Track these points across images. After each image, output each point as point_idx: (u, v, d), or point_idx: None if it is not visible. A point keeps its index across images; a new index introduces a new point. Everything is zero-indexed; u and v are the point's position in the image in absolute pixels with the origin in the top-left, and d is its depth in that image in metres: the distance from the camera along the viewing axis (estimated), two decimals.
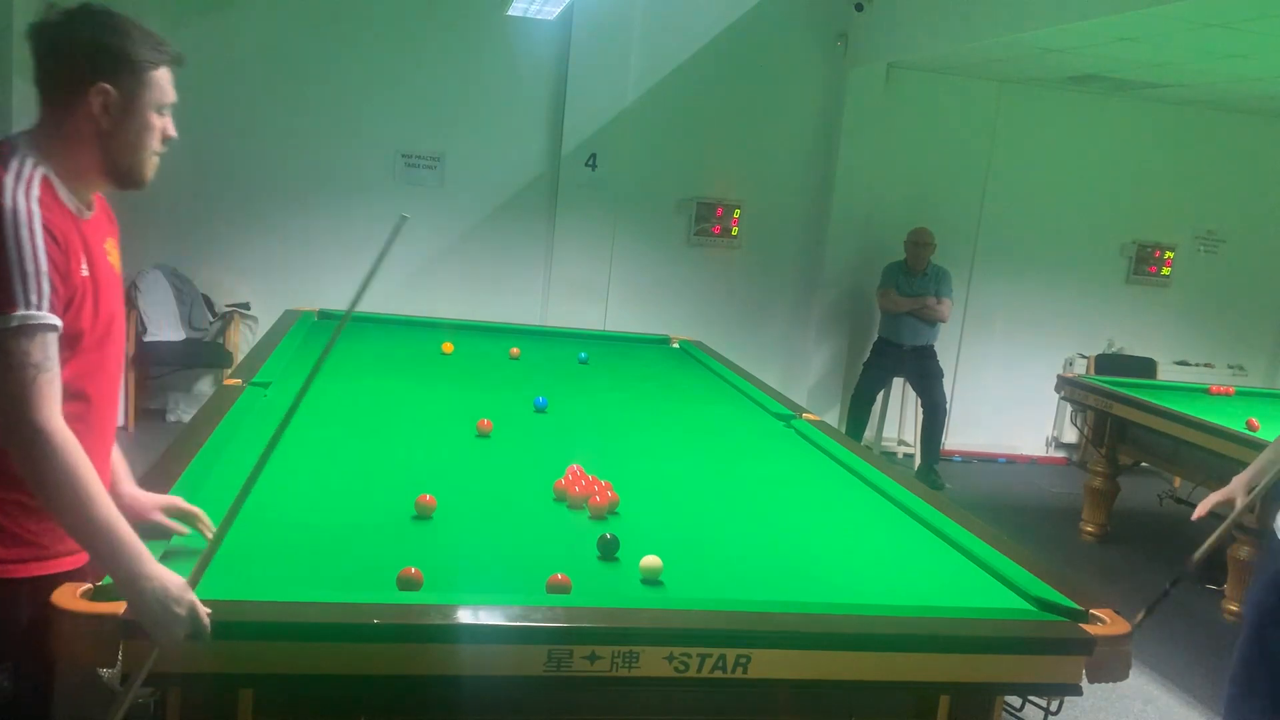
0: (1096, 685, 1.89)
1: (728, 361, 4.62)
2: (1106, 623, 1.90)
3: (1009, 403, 7.31)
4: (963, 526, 2.42)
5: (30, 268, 1.51)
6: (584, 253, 6.65)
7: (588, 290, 6.66)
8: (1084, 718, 3.54)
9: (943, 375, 6.62)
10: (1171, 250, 7.53)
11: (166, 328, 6.06)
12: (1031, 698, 2.00)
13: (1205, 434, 4.19)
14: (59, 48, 1.66)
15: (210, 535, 1.77)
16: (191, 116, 6.70)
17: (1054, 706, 2.01)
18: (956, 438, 7.23)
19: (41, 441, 1.48)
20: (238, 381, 3.21)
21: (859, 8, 6.53)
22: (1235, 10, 4.41)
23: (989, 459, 7.37)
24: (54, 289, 1.53)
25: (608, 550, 2.08)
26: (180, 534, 1.88)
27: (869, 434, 6.81)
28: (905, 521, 2.55)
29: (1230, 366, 7.61)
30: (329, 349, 1.62)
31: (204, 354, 6.24)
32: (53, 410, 1.50)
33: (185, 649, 1.53)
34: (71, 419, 1.54)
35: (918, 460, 6.65)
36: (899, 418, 7.06)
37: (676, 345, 5.12)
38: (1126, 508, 5.80)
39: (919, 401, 6.60)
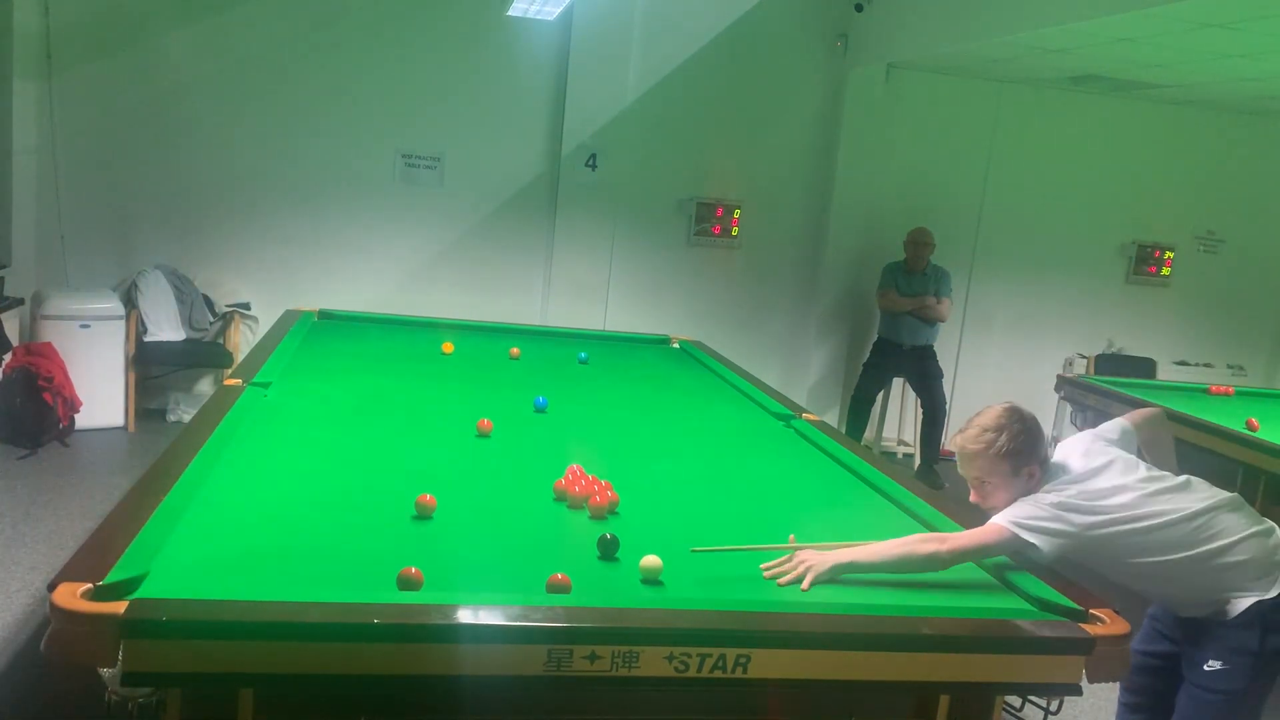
0: (1096, 685, 1.89)
1: (728, 361, 4.62)
2: (1106, 623, 1.90)
3: None
4: (963, 526, 2.41)
5: None
6: (584, 253, 6.65)
7: (588, 290, 6.66)
8: (1084, 718, 3.54)
9: (942, 375, 6.62)
10: (1171, 250, 7.53)
11: (167, 328, 6.06)
12: (1031, 698, 2.00)
13: (1205, 434, 4.19)
14: None
15: None
16: (192, 116, 6.75)
17: (1054, 706, 2.01)
18: None
19: None
20: (238, 381, 3.21)
21: (859, 8, 6.54)
22: (1235, 10, 4.41)
23: None
24: None
25: (608, 550, 2.08)
26: None
27: (869, 434, 6.81)
28: (905, 521, 2.54)
29: (1230, 366, 7.61)
30: None
31: (204, 354, 6.24)
32: None
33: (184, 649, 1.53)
34: None
35: (918, 460, 6.65)
36: (899, 418, 7.06)
37: (676, 345, 5.12)
38: None
39: (919, 401, 6.60)
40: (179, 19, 5.98)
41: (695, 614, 1.77)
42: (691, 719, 1.95)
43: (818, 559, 2.05)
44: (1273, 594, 2.30)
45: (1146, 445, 2.73)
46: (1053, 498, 2.22)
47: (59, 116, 5.92)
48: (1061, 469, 2.34)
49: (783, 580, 2.02)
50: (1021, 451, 2.26)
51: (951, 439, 2.37)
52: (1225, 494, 2.39)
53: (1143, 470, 2.37)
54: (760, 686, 1.74)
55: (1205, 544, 2.28)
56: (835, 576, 2.03)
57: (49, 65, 5.85)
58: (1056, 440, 7.49)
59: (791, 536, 2.14)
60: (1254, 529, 2.33)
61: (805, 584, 2.00)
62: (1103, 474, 2.32)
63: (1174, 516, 2.27)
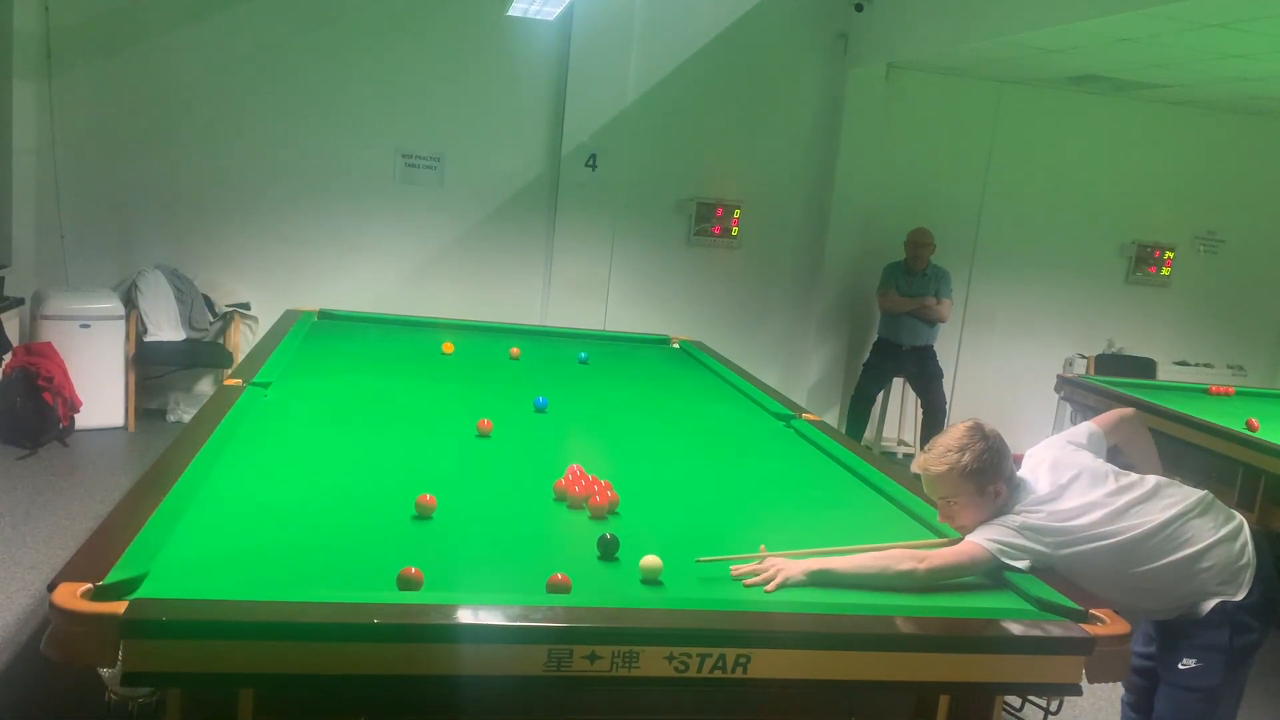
0: (1096, 685, 1.89)
1: (728, 361, 4.62)
2: (1106, 623, 1.91)
3: (1009, 403, 7.31)
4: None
5: None
6: (584, 253, 6.65)
7: (588, 290, 6.66)
8: (1084, 718, 3.54)
9: (942, 375, 6.62)
10: (1171, 250, 7.53)
11: (167, 328, 6.06)
12: (1031, 698, 2.00)
13: (1205, 434, 4.19)
14: None
15: None
16: (192, 116, 6.75)
17: (1054, 706, 2.01)
18: None
19: None
20: (238, 381, 3.21)
21: (859, 8, 6.54)
22: (1235, 10, 4.41)
23: None
24: None
25: (608, 550, 2.08)
26: None
27: (869, 434, 6.81)
28: (905, 521, 2.54)
29: (1230, 366, 7.61)
30: None
31: (204, 354, 6.24)
32: None
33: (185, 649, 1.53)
34: None
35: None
36: (899, 418, 7.06)
37: (676, 345, 5.12)
38: None
39: (919, 402, 6.60)
40: (179, 19, 5.98)
41: (695, 614, 1.77)
42: (691, 719, 1.95)
43: (790, 564, 2.05)
44: (1239, 597, 2.32)
45: (1125, 447, 2.74)
46: (1022, 520, 2.22)
47: (59, 116, 5.92)
48: (1029, 487, 2.35)
49: (749, 582, 2.01)
50: (986, 469, 2.25)
51: (915, 461, 2.37)
52: (1194, 495, 2.40)
53: (1110, 481, 2.37)
54: (760, 686, 1.74)
55: (1174, 553, 2.30)
56: (807, 583, 2.02)
57: (49, 65, 5.85)
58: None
59: (762, 547, 2.12)
60: (1222, 533, 2.35)
61: (771, 587, 1.99)
62: (1070, 490, 2.33)
63: (1142, 531, 2.28)
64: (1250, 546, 2.38)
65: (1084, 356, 7.31)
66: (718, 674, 1.70)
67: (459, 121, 6.47)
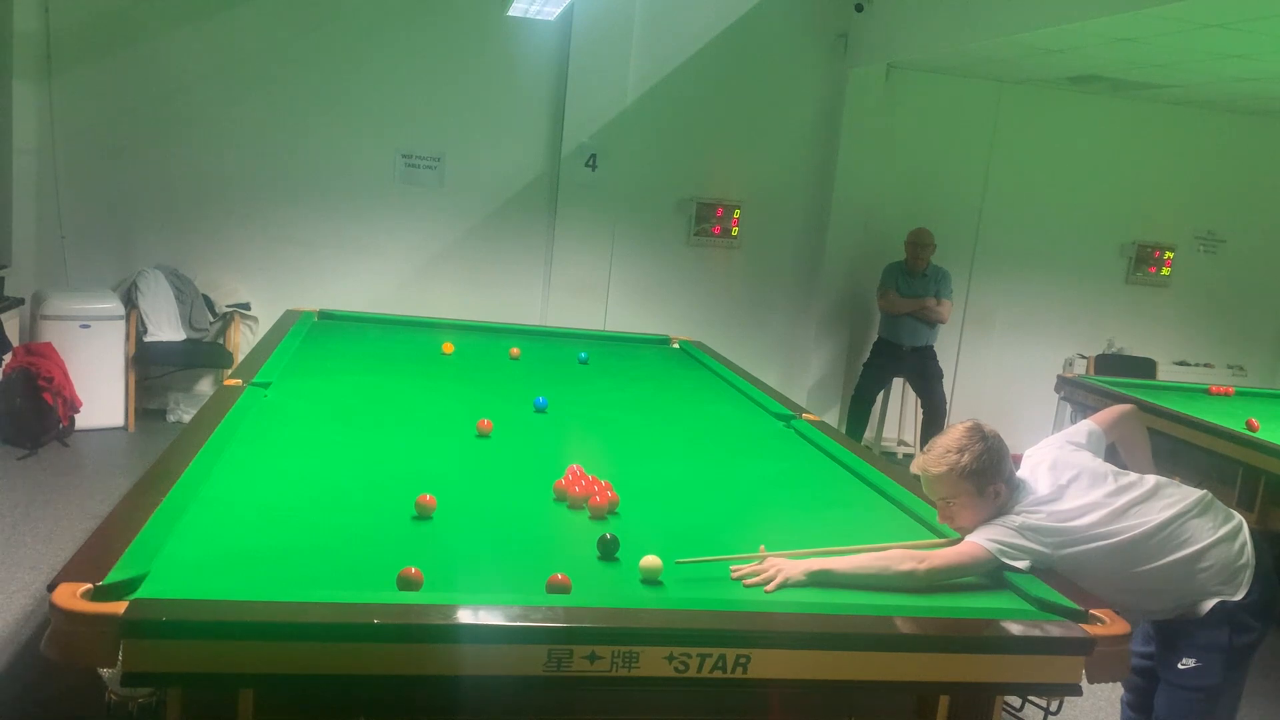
0: (1096, 685, 1.89)
1: (728, 361, 4.62)
2: (1106, 623, 1.91)
3: (1009, 403, 7.32)
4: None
5: None
6: (584, 253, 6.65)
7: (588, 290, 6.66)
8: (1084, 718, 3.54)
9: (942, 376, 6.62)
10: (1171, 250, 7.53)
11: (167, 328, 6.06)
12: (1031, 698, 2.00)
13: (1205, 434, 4.19)
14: None
15: None
16: (192, 116, 6.74)
17: (1054, 706, 2.01)
18: None
19: None
20: (238, 382, 3.21)
21: (859, 8, 6.54)
22: (1235, 10, 4.41)
23: None
24: None
25: (608, 550, 2.08)
26: None
27: (869, 434, 6.81)
28: (905, 521, 2.54)
29: (1230, 366, 7.61)
30: None
31: (204, 354, 6.24)
32: None
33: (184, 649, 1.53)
34: None
35: None
36: (899, 418, 7.06)
37: (677, 345, 5.12)
38: None
39: (919, 402, 6.60)
40: (179, 19, 5.98)
41: (695, 614, 1.77)
42: (691, 719, 1.95)
43: (790, 565, 2.05)
44: (1238, 597, 2.32)
45: (1121, 444, 2.74)
46: (1022, 520, 2.23)
47: (59, 116, 5.92)
48: (1028, 487, 2.35)
49: (749, 582, 2.01)
50: (985, 470, 2.25)
51: (914, 462, 2.37)
52: (1193, 495, 2.40)
53: (1110, 481, 2.37)
54: (760, 686, 1.74)
55: (1173, 553, 2.30)
56: (807, 584, 2.02)
57: (49, 65, 5.85)
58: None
59: (762, 547, 2.12)
60: (1221, 533, 2.35)
61: (771, 587, 1.99)
62: (1070, 490, 2.33)
63: (1142, 531, 2.29)
64: (1249, 546, 2.38)
65: (1084, 356, 7.31)
66: (718, 674, 1.70)
67: (459, 121, 6.47)
